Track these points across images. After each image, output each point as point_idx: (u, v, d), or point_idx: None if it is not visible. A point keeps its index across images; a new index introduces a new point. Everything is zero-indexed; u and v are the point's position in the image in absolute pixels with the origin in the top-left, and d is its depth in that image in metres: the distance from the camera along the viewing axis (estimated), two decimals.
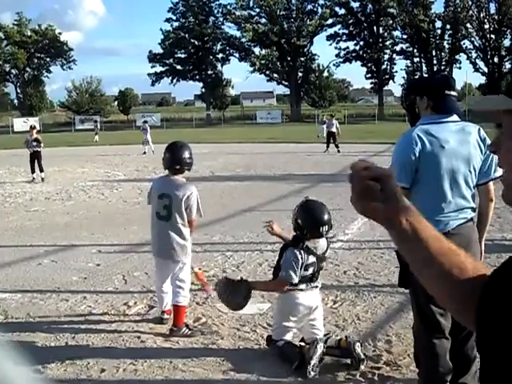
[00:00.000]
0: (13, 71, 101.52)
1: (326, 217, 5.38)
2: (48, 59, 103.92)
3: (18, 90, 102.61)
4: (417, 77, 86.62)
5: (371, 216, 1.47)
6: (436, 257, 1.45)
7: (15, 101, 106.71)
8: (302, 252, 5.36)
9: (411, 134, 4.44)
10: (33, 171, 22.63)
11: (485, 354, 1.26)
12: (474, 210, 4.53)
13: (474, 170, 4.45)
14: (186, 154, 6.60)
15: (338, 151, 31.93)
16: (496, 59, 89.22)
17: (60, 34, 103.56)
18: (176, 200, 6.45)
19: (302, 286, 5.49)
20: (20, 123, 72.25)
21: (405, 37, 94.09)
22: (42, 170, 22.53)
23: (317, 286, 5.71)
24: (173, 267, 6.57)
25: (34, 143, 22.82)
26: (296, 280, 5.37)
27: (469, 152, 4.41)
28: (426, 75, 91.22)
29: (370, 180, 1.41)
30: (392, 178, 1.44)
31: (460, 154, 4.39)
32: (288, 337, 5.69)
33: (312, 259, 5.42)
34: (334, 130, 33.21)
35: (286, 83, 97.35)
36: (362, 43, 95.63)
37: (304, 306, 5.55)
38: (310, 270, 5.45)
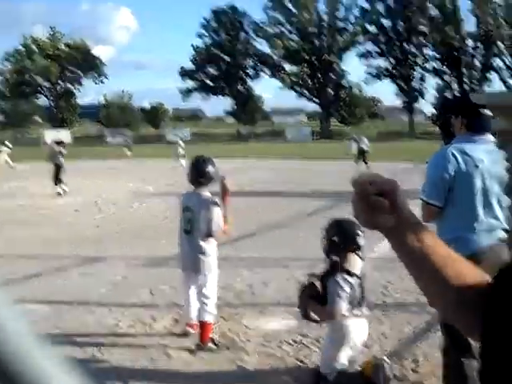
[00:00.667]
0: (45, 84, 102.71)
1: (359, 228, 5.29)
2: (80, 73, 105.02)
3: (51, 103, 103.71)
4: (449, 95, 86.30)
5: (375, 229, 1.45)
6: (440, 270, 1.43)
7: (47, 113, 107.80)
8: (345, 277, 5.14)
9: (446, 152, 4.41)
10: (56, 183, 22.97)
11: (487, 361, 1.24)
12: (506, 231, 4.48)
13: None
14: (210, 168, 6.65)
15: (368, 167, 31.79)
16: None
17: (92, 48, 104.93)
18: (197, 213, 6.50)
19: (355, 312, 5.23)
20: (51, 136, 72.96)
21: (436, 55, 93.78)
22: (61, 182, 22.93)
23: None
24: (196, 280, 6.58)
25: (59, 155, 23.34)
26: (345, 310, 5.23)
27: (502, 172, 4.37)
28: (457, 94, 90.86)
29: (375, 195, 1.38)
30: (397, 189, 1.40)
31: (493, 174, 4.35)
32: (339, 366, 5.38)
33: (355, 280, 5.19)
34: (363, 147, 33.17)
35: (316, 100, 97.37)
36: (392, 61, 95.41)
37: (357, 333, 5.31)
38: (358, 292, 5.21)
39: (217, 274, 6.74)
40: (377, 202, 1.38)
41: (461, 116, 4.50)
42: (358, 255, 5.21)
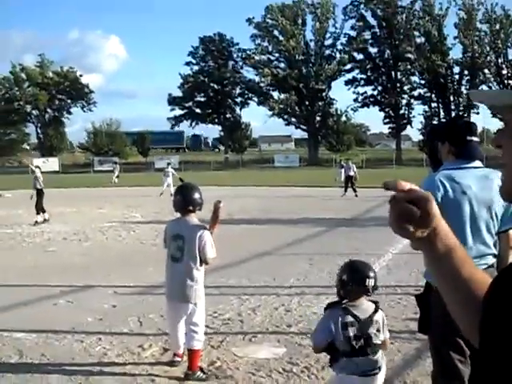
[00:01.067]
0: (34, 112, 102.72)
1: (370, 271, 5.14)
2: (69, 101, 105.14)
3: (39, 131, 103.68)
4: (437, 122, 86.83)
5: (407, 237, 1.46)
6: (466, 283, 1.45)
7: (35, 141, 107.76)
8: (338, 311, 4.89)
9: (433, 178, 4.41)
10: (43, 211, 22.81)
11: (484, 366, 1.24)
12: (494, 256, 4.48)
13: (496, 217, 4.40)
14: (197, 195, 6.66)
15: (356, 195, 31.98)
16: None
17: (81, 76, 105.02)
18: (189, 241, 6.45)
19: (357, 361, 4.78)
20: (40, 163, 72.86)
21: (423, 82, 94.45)
22: (43, 211, 22.78)
23: (375, 371, 4.90)
24: (185, 310, 6.53)
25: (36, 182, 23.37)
26: (320, 343, 5.07)
27: (491, 198, 4.36)
28: (443, 120, 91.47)
29: (408, 203, 1.40)
30: (431, 201, 1.42)
31: (482, 200, 4.36)
32: None
33: (350, 318, 4.86)
34: (351, 173, 33.35)
35: (304, 127, 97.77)
36: (380, 88, 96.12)
37: None
38: (351, 332, 4.82)
39: (204, 302, 6.70)
40: (408, 210, 1.40)
41: (448, 142, 4.50)
42: (366, 297, 5.10)
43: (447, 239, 1.49)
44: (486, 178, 4.42)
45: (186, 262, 6.47)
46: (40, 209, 22.67)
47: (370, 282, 4.97)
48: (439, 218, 1.46)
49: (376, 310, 4.99)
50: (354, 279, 4.96)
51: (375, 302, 5.09)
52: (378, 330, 4.89)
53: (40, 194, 23.00)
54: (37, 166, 25.62)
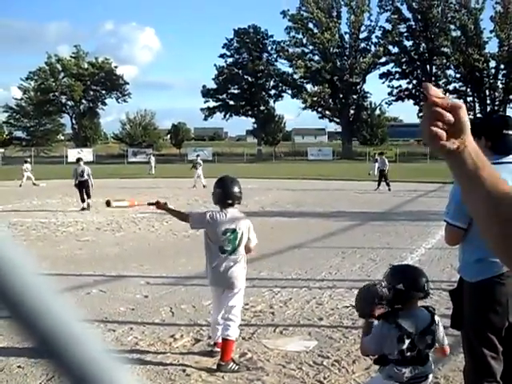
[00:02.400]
0: (69, 103, 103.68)
1: (423, 274, 4.81)
2: (104, 92, 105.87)
3: (74, 122, 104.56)
4: (472, 116, 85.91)
5: (437, 147, 1.45)
6: (491, 195, 1.45)
7: (70, 132, 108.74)
8: (392, 325, 4.71)
9: None
10: (82, 200, 23.72)
11: None
12: None
13: None
14: (236, 189, 6.66)
15: (389, 189, 31.78)
16: None
17: (116, 67, 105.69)
18: (241, 234, 6.55)
19: (405, 371, 4.71)
20: (74, 154, 73.49)
21: (458, 76, 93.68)
22: (89, 197, 23.91)
23: (422, 380, 4.83)
24: (231, 297, 6.57)
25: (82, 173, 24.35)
26: (372, 353, 5.00)
27: None
28: (479, 115, 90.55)
29: (442, 108, 1.40)
30: (463, 108, 1.43)
31: None
32: None
33: (405, 332, 4.70)
34: (385, 168, 33.11)
35: (338, 120, 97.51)
36: (414, 82, 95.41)
37: None
38: (405, 344, 4.70)
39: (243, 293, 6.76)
40: (442, 114, 1.40)
41: (484, 137, 4.46)
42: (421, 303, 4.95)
43: (478, 157, 1.47)
44: None
45: (238, 253, 6.58)
46: (84, 198, 23.66)
47: (428, 286, 4.87)
48: (470, 135, 1.45)
49: (433, 320, 4.89)
50: (414, 286, 4.81)
51: (429, 309, 4.97)
52: (433, 340, 4.82)
53: (84, 184, 23.74)
54: (80, 159, 25.94)
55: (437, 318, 4.91)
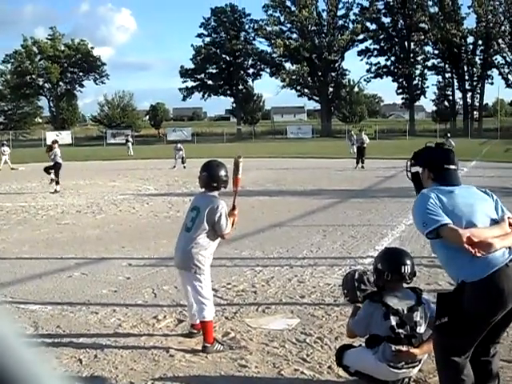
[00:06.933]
0: (46, 85, 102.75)
1: (407, 258, 5.10)
2: (81, 74, 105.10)
3: (51, 104, 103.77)
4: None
5: None
6: None
7: (48, 114, 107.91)
8: (378, 304, 4.93)
9: (423, 193, 4.54)
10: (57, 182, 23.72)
11: None
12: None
13: (495, 209, 4.44)
14: (222, 173, 6.63)
15: (363, 167, 31.63)
16: None
17: (92, 48, 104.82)
18: (201, 212, 6.46)
19: (395, 351, 4.88)
20: (52, 137, 72.97)
21: (436, 52, 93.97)
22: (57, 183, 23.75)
23: (415, 364, 5.04)
24: (189, 278, 6.53)
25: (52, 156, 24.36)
26: (360, 334, 5.15)
27: (478, 195, 4.56)
28: (457, 91, 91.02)
29: None
30: None
31: (471, 196, 4.48)
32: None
33: (391, 310, 4.91)
34: (363, 144, 32.84)
35: (317, 98, 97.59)
36: (393, 58, 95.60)
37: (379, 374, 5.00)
38: (393, 321, 4.88)
39: (209, 273, 6.66)
40: None
41: (427, 169, 4.60)
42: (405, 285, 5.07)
43: None
44: (468, 187, 4.63)
45: (194, 231, 6.47)
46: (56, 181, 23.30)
47: (407, 269, 4.93)
48: None
49: (419, 300, 4.99)
50: (389, 266, 4.93)
51: (416, 290, 5.07)
52: (423, 319, 4.92)
53: (57, 166, 23.59)
54: (55, 141, 25.84)
55: (425, 297, 4.99)
